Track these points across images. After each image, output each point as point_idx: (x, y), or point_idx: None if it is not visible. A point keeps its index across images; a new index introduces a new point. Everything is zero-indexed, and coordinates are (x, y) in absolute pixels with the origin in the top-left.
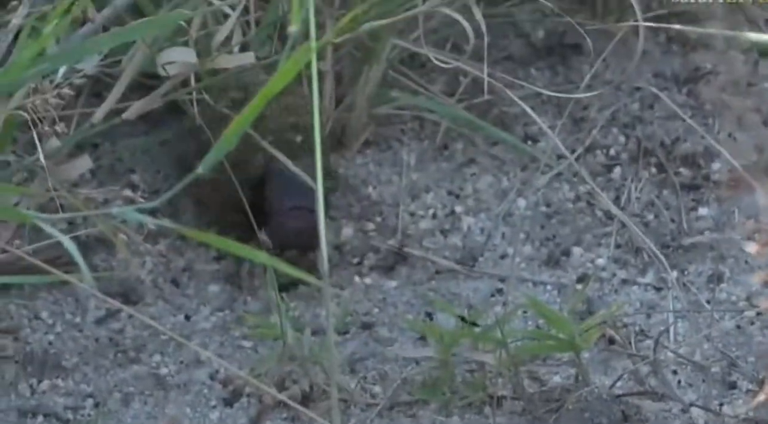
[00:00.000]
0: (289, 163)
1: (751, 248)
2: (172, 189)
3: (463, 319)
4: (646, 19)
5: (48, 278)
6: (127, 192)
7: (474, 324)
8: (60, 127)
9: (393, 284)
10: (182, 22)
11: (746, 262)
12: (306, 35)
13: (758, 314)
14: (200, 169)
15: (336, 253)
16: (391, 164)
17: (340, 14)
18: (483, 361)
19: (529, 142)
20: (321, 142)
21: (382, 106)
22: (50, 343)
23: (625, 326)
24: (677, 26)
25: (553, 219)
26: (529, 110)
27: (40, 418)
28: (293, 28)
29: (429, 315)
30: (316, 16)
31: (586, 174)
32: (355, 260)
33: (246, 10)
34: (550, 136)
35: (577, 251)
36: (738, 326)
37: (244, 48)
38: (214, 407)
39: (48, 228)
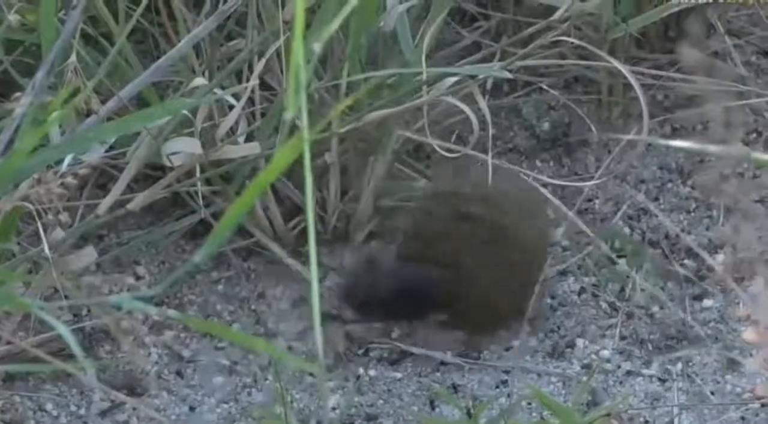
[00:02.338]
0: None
1: (749, 335)
2: (173, 277)
3: (467, 411)
4: (651, 112)
5: (51, 367)
6: (131, 280)
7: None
8: (64, 218)
9: (398, 375)
10: (187, 113)
11: (751, 354)
12: (305, 124)
13: (763, 405)
14: (197, 259)
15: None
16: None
17: (344, 105)
18: None
19: None
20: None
21: (387, 197)
22: None
23: (630, 417)
24: (678, 143)
25: (558, 311)
26: (548, 195)
27: None
28: (288, 116)
29: (433, 407)
30: (321, 106)
31: (591, 265)
32: (360, 352)
33: (251, 101)
34: (567, 223)
35: (581, 342)
36: (743, 418)
37: (249, 138)
38: None
39: (50, 319)
